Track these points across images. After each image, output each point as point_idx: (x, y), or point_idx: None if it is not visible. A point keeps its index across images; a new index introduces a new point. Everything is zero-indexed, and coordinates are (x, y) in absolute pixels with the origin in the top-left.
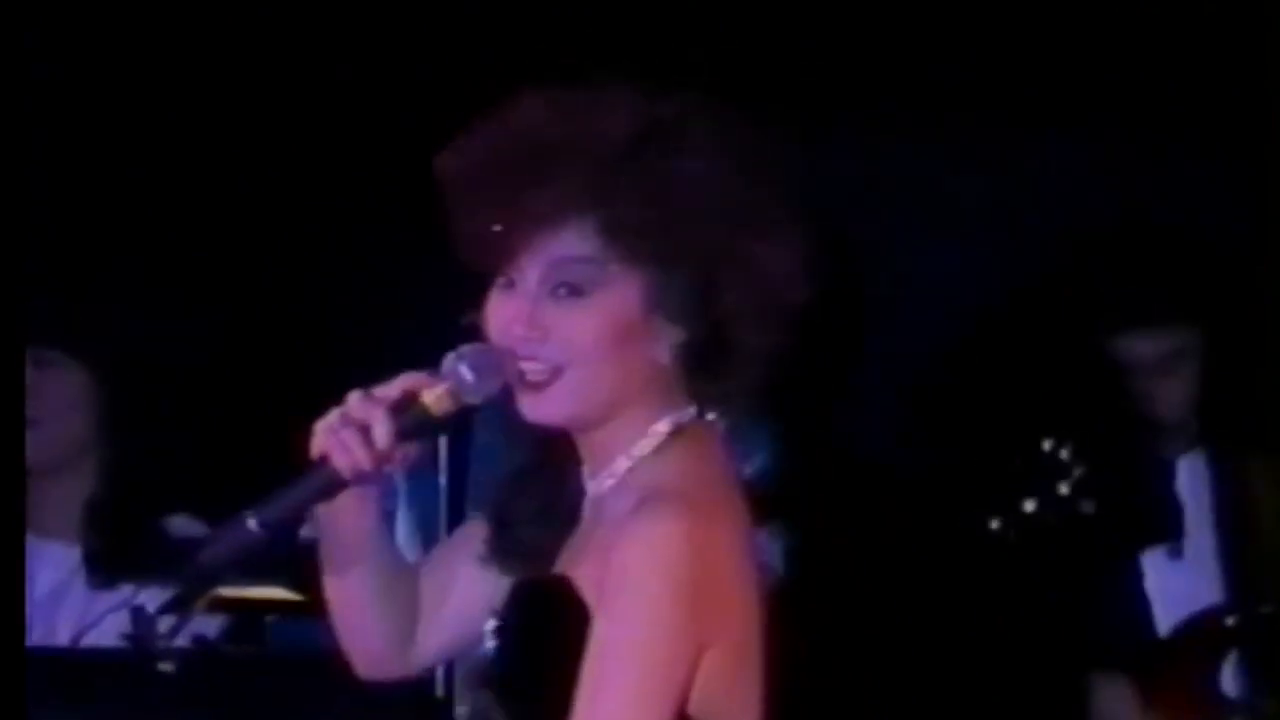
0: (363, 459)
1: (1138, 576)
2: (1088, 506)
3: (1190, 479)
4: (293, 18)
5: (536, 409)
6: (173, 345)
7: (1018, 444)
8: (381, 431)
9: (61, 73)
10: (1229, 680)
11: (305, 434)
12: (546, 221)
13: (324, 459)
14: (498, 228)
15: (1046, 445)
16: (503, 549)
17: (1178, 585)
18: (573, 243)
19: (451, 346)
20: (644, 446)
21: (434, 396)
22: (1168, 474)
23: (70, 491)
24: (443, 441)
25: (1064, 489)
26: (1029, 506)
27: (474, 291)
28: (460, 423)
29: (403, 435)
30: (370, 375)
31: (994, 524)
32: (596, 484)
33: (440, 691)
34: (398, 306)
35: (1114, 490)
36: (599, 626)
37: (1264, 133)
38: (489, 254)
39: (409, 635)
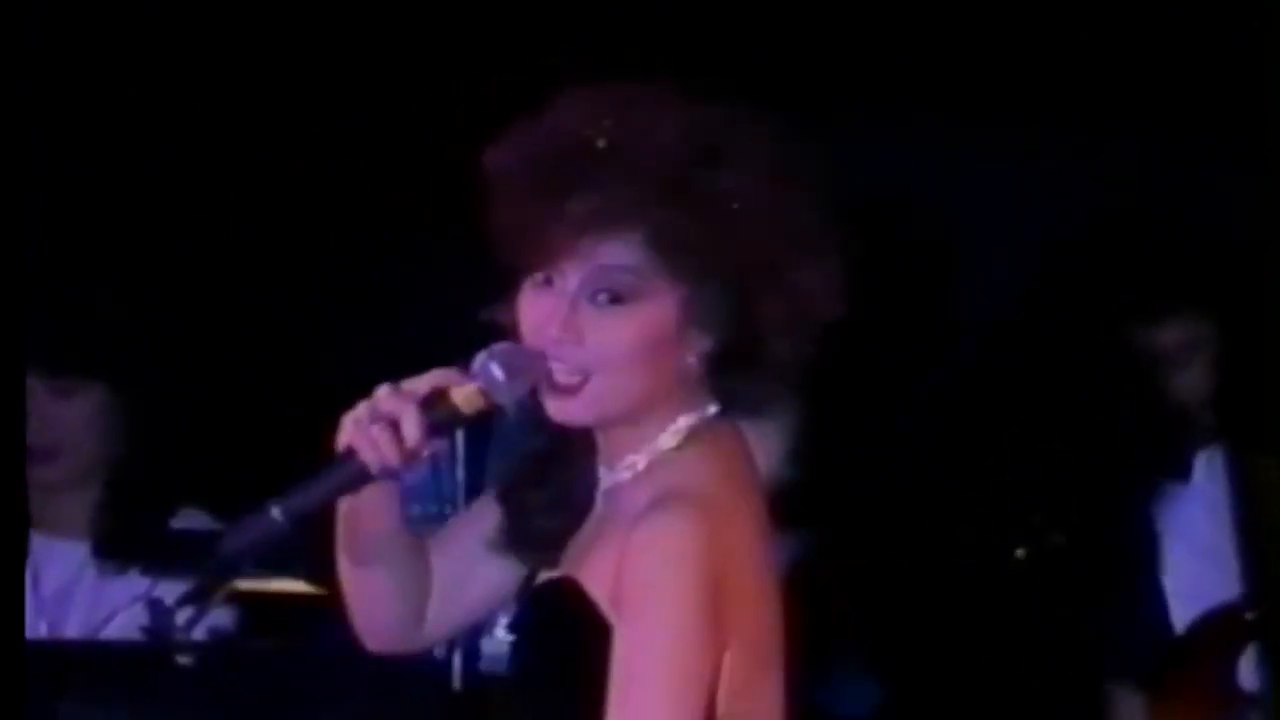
0: (391, 455)
1: (1155, 577)
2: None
3: (1208, 473)
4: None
5: (564, 411)
6: (186, 347)
7: (1035, 461)
8: (412, 428)
9: (58, 98)
10: (1247, 674)
11: (330, 426)
12: (593, 227)
13: (350, 452)
14: (542, 227)
15: (1055, 468)
16: (517, 537)
17: (1196, 579)
18: (618, 252)
19: (465, 346)
20: (665, 441)
21: (464, 395)
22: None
23: (82, 495)
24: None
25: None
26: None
27: (486, 290)
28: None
29: (431, 432)
30: (382, 375)
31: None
32: (613, 475)
33: (457, 685)
34: (407, 309)
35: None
36: (622, 630)
37: (1266, 128)
38: (528, 251)
39: (420, 615)
